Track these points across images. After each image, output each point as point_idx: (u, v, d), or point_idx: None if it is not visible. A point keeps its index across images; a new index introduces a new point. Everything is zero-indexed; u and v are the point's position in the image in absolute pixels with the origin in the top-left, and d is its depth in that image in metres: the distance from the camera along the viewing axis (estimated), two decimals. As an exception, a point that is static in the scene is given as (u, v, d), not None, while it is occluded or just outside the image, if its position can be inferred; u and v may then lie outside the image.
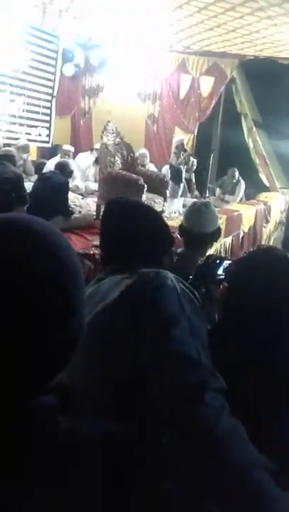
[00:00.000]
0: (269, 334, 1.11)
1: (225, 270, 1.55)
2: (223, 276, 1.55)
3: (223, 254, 5.91)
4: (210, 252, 5.53)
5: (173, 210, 6.55)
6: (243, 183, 7.70)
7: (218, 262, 1.63)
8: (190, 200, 7.33)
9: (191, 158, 7.20)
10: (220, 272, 1.59)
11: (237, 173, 7.62)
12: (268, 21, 5.50)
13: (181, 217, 6.21)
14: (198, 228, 2.42)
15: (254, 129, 8.32)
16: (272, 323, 1.12)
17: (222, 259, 1.66)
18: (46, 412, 0.56)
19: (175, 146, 6.87)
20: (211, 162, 6.77)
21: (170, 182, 6.36)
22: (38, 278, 0.54)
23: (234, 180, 7.63)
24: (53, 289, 0.55)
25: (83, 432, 0.57)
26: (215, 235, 2.50)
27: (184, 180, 6.75)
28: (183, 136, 7.44)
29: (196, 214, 2.48)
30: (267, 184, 8.38)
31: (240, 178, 7.68)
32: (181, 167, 6.61)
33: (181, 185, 6.65)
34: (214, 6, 5.32)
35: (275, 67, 7.54)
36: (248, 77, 8.38)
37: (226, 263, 1.60)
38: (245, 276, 1.23)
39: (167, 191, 5.97)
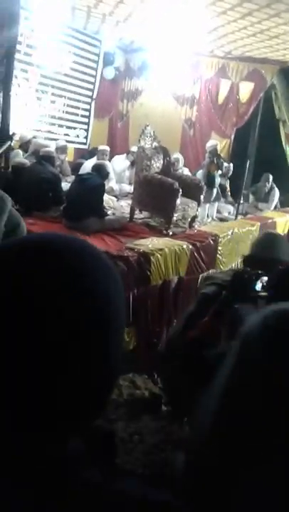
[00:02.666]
0: None
1: (268, 285, 1.52)
2: (264, 293, 1.52)
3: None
4: (240, 261, 5.51)
5: (204, 214, 6.54)
6: (277, 191, 7.60)
7: (254, 277, 1.57)
8: (224, 206, 7.33)
9: (226, 164, 7.17)
10: (258, 287, 1.55)
11: (271, 179, 7.52)
12: (312, 28, 5.45)
13: (214, 223, 6.21)
14: None
15: (292, 136, 8.21)
16: None
17: (259, 275, 1.58)
18: (71, 460, 0.52)
19: (209, 151, 6.85)
20: (246, 168, 6.71)
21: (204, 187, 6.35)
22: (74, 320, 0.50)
23: (268, 186, 7.53)
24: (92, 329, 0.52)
25: (115, 491, 0.53)
26: None
27: (216, 185, 6.73)
28: (216, 141, 7.40)
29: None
30: (303, 193, 8.25)
31: (274, 185, 7.58)
32: (215, 172, 6.59)
33: (214, 190, 6.63)
34: (258, 12, 5.29)
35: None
36: (288, 84, 8.27)
37: (264, 279, 1.56)
38: None
39: (201, 196, 5.95)
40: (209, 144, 7.04)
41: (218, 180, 6.75)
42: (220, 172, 6.78)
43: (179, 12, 5.73)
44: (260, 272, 1.60)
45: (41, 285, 0.49)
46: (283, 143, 8.35)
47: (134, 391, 3.54)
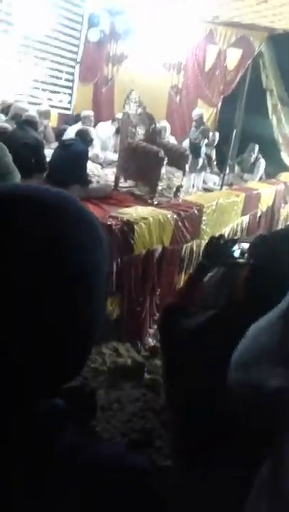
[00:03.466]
0: None
1: (250, 252, 1.51)
2: (242, 260, 1.52)
3: (239, 233, 5.88)
4: (226, 230, 5.52)
5: (190, 184, 6.49)
6: (263, 162, 7.56)
7: (230, 243, 1.57)
8: (210, 176, 7.28)
9: (212, 133, 7.07)
10: (236, 254, 1.55)
11: (257, 150, 7.46)
12: (303, -7, 5.31)
13: (199, 193, 6.18)
14: None
15: (279, 106, 8.13)
16: None
17: (235, 241, 1.59)
18: (54, 417, 0.52)
19: (194, 120, 6.74)
20: (232, 138, 6.64)
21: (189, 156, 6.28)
22: (77, 250, 0.50)
23: (253, 157, 7.48)
24: (87, 263, 0.52)
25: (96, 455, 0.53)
26: None
27: (202, 155, 6.65)
28: (202, 110, 7.27)
29: None
30: (288, 164, 8.23)
31: (260, 156, 7.53)
32: (200, 142, 6.51)
33: (200, 160, 6.56)
34: (248, -26, 5.13)
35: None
36: (276, 52, 8.12)
37: (242, 245, 1.56)
38: (278, 259, 1.24)
39: (187, 166, 5.89)
40: (195, 113, 6.93)
41: (203, 149, 6.67)
42: (206, 141, 6.69)
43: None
44: (236, 238, 1.60)
45: (24, 234, 0.48)
46: (270, 113, 8.28)
47: (117, 359, 3.56)
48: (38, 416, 0.51)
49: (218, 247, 1.60)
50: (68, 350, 0.52)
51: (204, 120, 6.99)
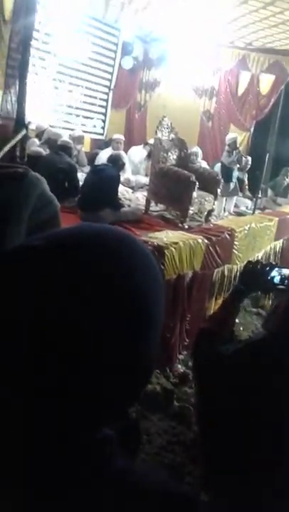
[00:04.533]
0: None
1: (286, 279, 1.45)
2: (282, 286, 1.47)
3: (272, 258, 5.76)
4: (259, 255, 5.42)
5: (221, 208, 6.44)
6: (296, 185, 7.47)
7: (268, 268, 1.51)
8: (242, 200, 7.21)
9: (244, 158, 7.03)
10: (276, 280, 1.49)
11: None
12: None
13: (231, 217, 6.11)
14: None
15: (313, 130, 8.04)
16: None
17: (273, 266, 1.53)
18: (103, 448, 0.54)
19: (228, 144, 6.73)
20: (265, 162, 6.58)
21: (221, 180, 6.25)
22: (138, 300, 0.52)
23: (286, 180, 7.40)
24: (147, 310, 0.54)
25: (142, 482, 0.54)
26: None
27: (234, 179, 6.61)
28: (235, 134, 7.27)
29: None
30: None
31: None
32: (233, 166, 6.48)
33: (232, 184, 6.52)
34: (281, 1, 5.15)
35: None
36: (310, 77, 8.08)
37: (283, 271, 1.50)
38: None
39: (218, 190, 5.86)
40: (229, 137, 6.91)
41: (235, 173, 6.63)
42: (238, 166, 6.65)
43: (199, 1, 5.61)
44: (274, 263, 1.56)
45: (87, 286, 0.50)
46: (303, 137, 8.19)
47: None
48: (93, 443, 0.53)
49: (255, 271, 1.55)
50: (129, 385, 0.54)
51: (238, 145, 6.96)
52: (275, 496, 1.19)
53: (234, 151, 6.54)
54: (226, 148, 6.75)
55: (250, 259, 1.67)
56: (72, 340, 0.48)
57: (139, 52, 8.49)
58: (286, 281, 1.45)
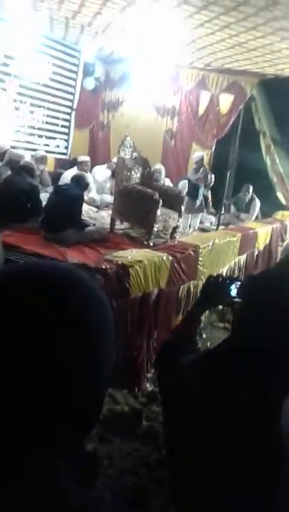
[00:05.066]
0: None
1: (241, 289, 1.47)
2: (238, 299, 1.48)
3: (237, 273, 5.84)
4: (224, 270, 5.49)
5: (187, 225, 6.52)
6: (257, 201, 7.65)
7: (228, 281, 1.53)
8: (206, 216, 7.32)
9: (209, 175, 7.17)
10: (233, 293, 1.50)
11: (251, 190, 7.57)
12: (290, 41, 5.50)
13: (195, 234, 6.18)
14: None
15: (272, 147, 8.27)
16: None
17: (233, 279, 1.54)
18: (62, 481, 0.53)
19: (195, 162, 6.85)
20: (227, 179, 6.72)
21: (187, 197, 6.34)
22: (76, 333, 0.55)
23: (248, 196, 7.58)
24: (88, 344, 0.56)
25: None
26: None
27: (200, 196, 6.72)
28: (202, 152, 7.42)
29: None
30: (284, 203, 8.30)
31: (255, 195, 7.63)
32: (199, 183, 6.59)
33: (198, 201, 6.62)
34: (236, 25, 5.32)
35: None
36: (267, 96, 8.35)
37: (238, 284, 1.52)
38: (268, 298, 1.23)
39: (182, 207, 5.93)
40: (196, 155, 7.04)
41: (202, 190, 6.73)
42: (205, 183, 6.76)
43: (158, 23, 5.75)
44: (235, 276, 1.58)
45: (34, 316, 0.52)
46: (264, 154, 8.41)
47: (113, 406, 3.44)
48: (47, 479, 0.53)
49: (216, 285, 1.57)
50: (82, 417, 0.56)
51: (204, 163, 7.08)
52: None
53: (201, 168, 6.66)
54: (194, 165, 6.87)
55: (211, 274, 1.70)
56: (26, 373, 0.50)
57: (100, 72, 8.61)
58: (242, 294, 1.46)
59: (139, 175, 5.95)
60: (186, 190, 6.84)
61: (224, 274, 5.36)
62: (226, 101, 8.26)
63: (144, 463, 2.18)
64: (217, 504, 1.19)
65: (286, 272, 1.34)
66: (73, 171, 6.42)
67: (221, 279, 1.57)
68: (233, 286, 1.50)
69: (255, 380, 1.15)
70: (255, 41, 5.83)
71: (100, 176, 7.44)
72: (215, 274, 1.66)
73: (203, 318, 1.78)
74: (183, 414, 1.26)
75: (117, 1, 5.29)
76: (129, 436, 2.60)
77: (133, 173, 5.80)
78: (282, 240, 6.92)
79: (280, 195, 8.33)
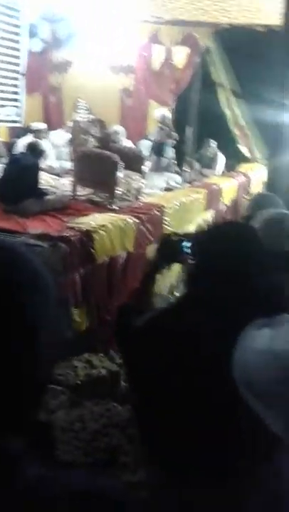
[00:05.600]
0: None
1: (192, 245, 1.47)
2: (191, 255, 1.48)
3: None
4: (192, 228, 5.44)
5: (153, 184, 6.39)
6: (221, 156, 7.54)
7: (182, 239, 1.54)
8: (171, 176, 7.18)
9: (174, 132, 7.01)
10: (186, 250, 1.50)
11: (213, 145, 7.44)
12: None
13: (162, 193, 6.08)
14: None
15: (232, 99, 8.11)
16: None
17: (187, 236, 1.56)
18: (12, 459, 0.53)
19: (158, 120, 6.67)
20: (188, 135, 6.58)
21: (152, 156, 6.21)
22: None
23: (211, 152, 7.46)
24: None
25: (54, 485, 0.53)
26: None
27: (166, 154, 6.57)
28: (165, 109, 7.21)
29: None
30: (247, 155, 8.23)
31: (218, 150, 7.51)
32: (164, 141, 6.43)
33: (164, 159, 6.48)
34: None
35: (251, 35, 7.32)
36: (224, 47, 8.10)
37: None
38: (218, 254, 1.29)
39: (143, 167, 5.80)
40: (158, 113, 6.84)
41: (168, 149, 6.57)
42: (172, 142, 6.61)
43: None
44: (188, 233, 1.63)
45: None
46: (223, 107, 8.25)
47: (90, 371, 3.43)
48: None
49: (170, 243, 1.58)
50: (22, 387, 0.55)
51: (166, 119, 6.88)
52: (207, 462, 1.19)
53: (164, 127, 6.49)
54: (158, 124, 6.70)
55: (165, 232, 1.70)
56: None
57: (46, 33, 8.15)
58: (193, 250, 1.46)
59: (96, 138, 5.76)
60: (147, 150, 6.69)
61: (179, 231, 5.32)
62: (181, 54, 8.00)
63: (115, 423, 2.20)
64: (184, 452, 1.23)
65: (231, 226, 1.43)
66: (27, 139, 6.15)
67: (174, 236, 1.58)
68: (187, 243, 1.50)
69: (212, 333, 1.17)
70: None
71: (57, 141, 7.15)
72: (169, 232, 1.68)
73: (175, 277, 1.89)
74: (142, 371, 1.29)
75: None
76: (102, 399, 2.61)
77: (90, 136, 5.61)
78: (247, 193, 6.87)
79: (242, 147, 8.24)
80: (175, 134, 6.91)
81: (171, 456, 1.26)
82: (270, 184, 5.07)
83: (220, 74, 8.23)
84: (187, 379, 1.19)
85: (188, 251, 1.48)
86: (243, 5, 6.27)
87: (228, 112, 8.22)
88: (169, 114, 6.88)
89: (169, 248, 1.55)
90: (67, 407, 2.33)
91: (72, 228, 3.77)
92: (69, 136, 7.07)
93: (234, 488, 1.19)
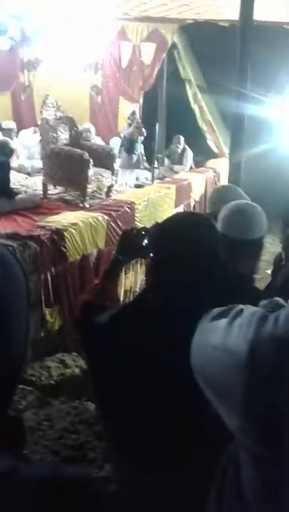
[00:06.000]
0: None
1: (149, 241, 1.47)
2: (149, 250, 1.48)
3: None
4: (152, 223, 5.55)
5: (124, 181, 6.45)
6: (190, 151, 7.65)
7: (143, 233, 1.53)
8: (141, 172, 7.26)
9: (143, 129, 7.07)
10: (146, 244, 1.49)
11: (182, 140, 7.55)
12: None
13: (132, 190, 6.15)
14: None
15: (199, 94, 8.23)
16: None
17: (147, 230, 1.53)
18: None
19: (128, 117, 6.71)
20: (156, 131, 6.66)
21: (123, 153, 6.26)
22: None
23: (180, 148, 7.57)
24: None
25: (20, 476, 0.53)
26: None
27: (136, 151, 6.63)
28: (134, 106, 7.27)
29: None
30: (215, 150, 8.36)
31: (187, 146, 7.63)
32: (134, 137, 6.48)
33: (134, 156, 6.54)
34: None
35: (215, 30, 7.43)
36: (189, 42, 8.22)
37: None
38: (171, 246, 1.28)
39: (114, 164, 5.86)
40: (128, 110, 6.89)
41: (138, 145, 6.62)
42: (141, 138, 6.65)
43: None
44: (148, 227, 1.56)
45: None
46: (191, 103, 8.36)
47: (64, 370, 3.48)
48: None
49: (130, 238, 1.57)
50: None
51: (136, 116, 6.94)
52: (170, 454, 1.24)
53: (134, 122, 6.53)
54: (127, 120, 6.73)
55: (126, 228, 1.70)
56: None
57: (15, 31, 8.08)
58: (149, 244, 1.46)
59: (66, 135, 5.78)
60: (117, 147, 6.74)
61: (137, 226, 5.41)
62: (148, 50, 8.05)
63: (83, 420, 2.25)
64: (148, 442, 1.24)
65: (186, 218, 1.37)
66: (-3, 138, 6.13)
67: (134, 231, 1.57)
68: (146, 238, 1.50)
69: (173, 325, 1.18)
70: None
71: (26, 140, 7.14)
72: (129, 228, 1.66)
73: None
74: (105, 367, 1.30)
75: None
76: (78, 398, 2.66)
77: (59, 133, 5.63)
78: (217, 188, 7.00)
79: (210, 143, 8.36)
80: (144, 131, 6.99)
81: (133, 450, 1.28)
82: (232, 176, 5.08)
83: (187, 69, 8.33)
84: (149, 372, 1.20)
85: (146, 244, 1.48)
86: (206, 1, 6.36)
87: (196, 108, 8.33)
88: (138, 111, 6.94)
89: (131, 243, 1.54)
90: (36, 407, 2.37)
91: (42, 227, 3.82)
92: (38, 136, 7.08)
93: (193, 480, 1.19)
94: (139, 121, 6.90)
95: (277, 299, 0.87)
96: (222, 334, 0.87)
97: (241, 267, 1.82)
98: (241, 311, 0.91)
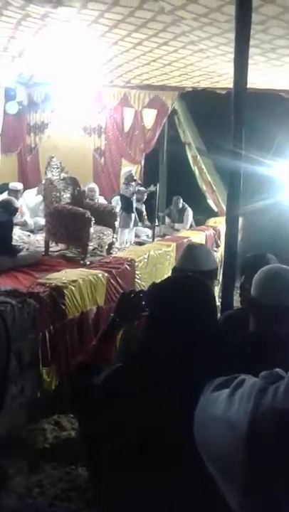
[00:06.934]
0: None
1: (146, 302, 1.48)
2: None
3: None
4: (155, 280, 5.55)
5: (124, 240, 6.54)
6: (189, 210, 7.86)
7: (141, 295, 1.54)
8: (142, 230, 7.39)
9: (142, 189, 7.27)
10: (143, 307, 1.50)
11: (181, 201, 7.82)
12: (201, 54, 5.70)
13: (133, 247, 6.21)
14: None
15: (198, 157, 8.51)
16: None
17: (145, 293, 1.55)
18: None
19: (124, 178, 6.92)
20: (157, 191, 6.84)
21: (121, 212, 6.39)
22: None
23: (179, 208, 7.80)
24: None
25: None
26: None
27: (134, 210, 6.78)
28: (130, 167, 7.54)
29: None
30: (215, 209, 8.53)
31: (186, 205, 7.87)
32: (132, 197, 6.65)
33: (132, 215, 6.67)
34: (148, 41, 5.46)
35: (213, 97, 7.80)
36: (188, 108, 8.62)
37: None
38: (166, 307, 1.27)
39: (116, 222, 5.97)
40: (124, 170, 7.12)
41: (135, 204, 6.79)
42: (139, 197, 6.84)
43: (72, 44, 5.79)
44: (146, 290, 1.57)
45: None
46: (191, 164, 8.63)
47: (59, 433, 3.36)
48: None
49: (128, 300, 1.57)
50: None
51: (134, 177, 7.16)
52: None
53: (133, 183, 6.72)
54: (123, 181, 6.94)
55: (124, 290, 1.70)
56: None
57: (23, 96, 8.54)
58: (146, 305, 1.46)
59: (69, 195, 5.93)
60: (119, 205, 6.90)
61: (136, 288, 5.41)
62: (149, 116, 8.44)
63: (75, 487, 2.14)
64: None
65: (183, 278, 1.37)
66: (2, 197, 6.29)
67: (132, 294, 1.57)
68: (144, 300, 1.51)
69: (171, 389, 1.16)
70: (168, 56, 6.00)
71: (30, 199, 7.33)
72: (127, 290, 1.66)
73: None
74: (96, 430, 1.26)
75: (29, 24, 5.29)
76: (74, 463, 2.54)
77: (62, 193, 5.78)
78: (217, 246, 7.09)
79: (210, 202, 8.55)
80: (143, 189, 7.18)
81: None
82: (228, 231, 5.08)
83: (186, 133, 8.67)
84: (144, 441, 1.16)
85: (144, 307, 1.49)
86: (203, 70, 6.72)
87: (195, 169, 8.59)
88: (133, 171, 7.16)
89: (128, 306, 1.54)
90: (26, 473, 2.25)
91: (42, 284, 3.82)
92: (41, 195, 7.27)
93: None
94: (137, 181, 7.11)
95: (277, 370, 0.87)
96: (223, 406, 0.87)
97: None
98: (242, 381, 0.91)
